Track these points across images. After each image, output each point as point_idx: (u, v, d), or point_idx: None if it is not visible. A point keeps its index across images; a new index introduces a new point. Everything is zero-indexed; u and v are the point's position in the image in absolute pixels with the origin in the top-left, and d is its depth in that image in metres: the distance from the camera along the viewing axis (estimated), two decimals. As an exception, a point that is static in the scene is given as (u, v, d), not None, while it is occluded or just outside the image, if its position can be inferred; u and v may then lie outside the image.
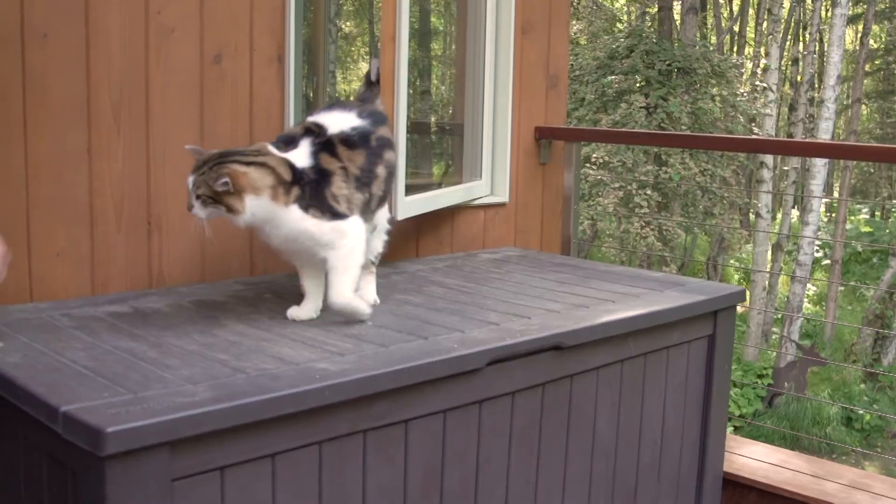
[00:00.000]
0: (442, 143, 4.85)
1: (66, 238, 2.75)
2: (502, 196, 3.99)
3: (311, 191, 2.42)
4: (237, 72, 3.07)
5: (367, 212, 2.57)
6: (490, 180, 3.97)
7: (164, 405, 1.82)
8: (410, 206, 3.24)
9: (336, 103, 2.72)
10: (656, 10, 19.07)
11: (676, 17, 19.37)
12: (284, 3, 3.16)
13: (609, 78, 15.21)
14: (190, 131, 2.76)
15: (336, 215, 2.44)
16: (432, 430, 2.30)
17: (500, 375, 2.42)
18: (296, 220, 2.40)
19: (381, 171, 2.59)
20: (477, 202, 3.89)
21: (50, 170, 2.68)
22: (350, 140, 2.53)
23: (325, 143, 2.50)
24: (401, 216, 3.16)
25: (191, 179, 2.35)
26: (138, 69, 2.84)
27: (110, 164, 2.79)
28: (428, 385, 2.24)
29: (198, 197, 2.32)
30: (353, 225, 2.47)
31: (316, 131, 2.50)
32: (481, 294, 2.97)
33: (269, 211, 2.38)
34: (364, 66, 17.87)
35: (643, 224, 13.96)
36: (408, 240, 3.64)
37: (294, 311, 2.56)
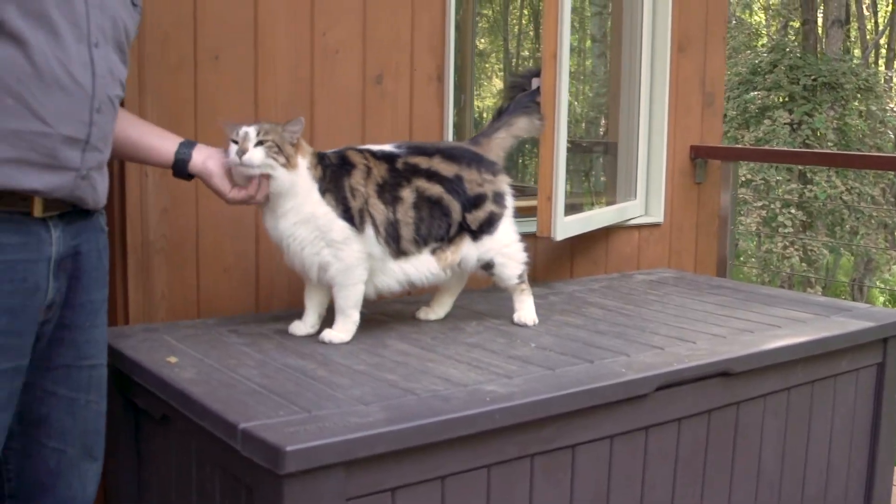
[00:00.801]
0: (588, 161, 4.81)
1: (234, 255, 2.81)
2: (657, 216, 3.93)
3: (331, 175, 2.42)
4: (398, 91, 3.10)
5: (399, 245, 2.50)
6: (644, 200, 3.91)
7: (339, 425, 1.83)
8: (569, 226, 3.21)
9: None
10: (800, 24, 18.62)
11: (819, 30, 18.87)
12: (444, 23, 3.17)
13: (752, 94, 14.88)
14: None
15: (348, 213, 2.41)
16: (600, 454, 2.26)
17: (667, 401, 2.36)
18: (314, 200, 2.38)
19: (407, 194, 2.50)
20: (631, 222, 3.84)
21: (219, 188, 2.73)
22: (374, 153, 2.53)
23: (352, 147, 2.53)
24: (559, 237, 3.13)
25: (251, 129, 2.31)
26: (303, 89, 2.89)
27: (275, 183, 2.84)
28: (596, 409, 2.20)
29: (260, 142, 2.29)
30: (358, 241, 2.43)
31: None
32: (642, 317, 2.91)
33: (303, 181, 2.37)
34: (498, 84, 17.95)
35: (787, 244, 13.61)
36: (562, 260, 3.61)
37: (293, 326, 2.56)
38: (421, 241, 2.53)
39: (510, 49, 18.32)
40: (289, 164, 2.33)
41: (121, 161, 2.57)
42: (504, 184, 2.70)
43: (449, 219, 2.57)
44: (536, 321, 2.73)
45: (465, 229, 2.60)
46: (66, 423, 2.05)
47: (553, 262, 3.57)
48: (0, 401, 1.84)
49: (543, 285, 3.34)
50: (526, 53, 18.68)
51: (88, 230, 1.96)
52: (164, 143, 2.30)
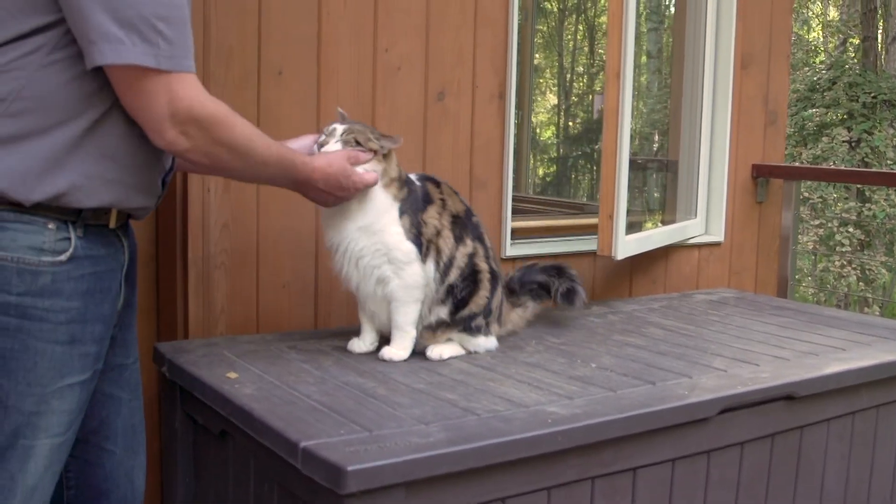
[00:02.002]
0: (646, 177, 4.77)
1: (293, 270, 2.81)
2: (717, 235, 3.88)
3: (412, 201, 2.41)
4: (459, 108, 3.09)
5: (440, 288, 2.46)
6: (705, 219, 3.87)
7: (400, 445, 1.82)
8: (629, 245, 3.18)
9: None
10: (859, 40, 18.40)
11: (879, 47, 18.61)
12: (507, 40, 3.16)
13: (810, 111, 14.71)
14: (412, 166, 2.76)
15: (418, 239, 2.39)
16: (660, 478, 2.23)
17: (730, 424, 2.32)
18: (391, 217, 2.37)
19: (469, 243, 2.49)
20: (691, 241, 3.79)
21: (279, 203, 2.74)
22: (453, 189, 2.53)
23: (432, 179, 2.52)
24: (620, 256, 3.10)
25: (339, 126, 2.33)
26: (365, 105, 2.89)
27: (336, 199, 2.84)
28: (658, 432, 2.17)
29: (346, 142, 2.29)
30: (421, 267, 2.41)
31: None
32: (703, 338, 2.87)
33: (380, 193, 2.35)
34: (552, 99, 17.89)
35: (844, 263, 13.41)
36: (621, 278, 3.58)
37: (352, 344, 2.54)
38: (444, 299, 2.49)
39: (565, 64, 18.28)
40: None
41: (184, 177, 2.59)
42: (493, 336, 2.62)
43: (471, 297, 2.50)
44: (432, 358, 2.50)
45: (465, 322, 2.52)
46: (117, 424, 2.10)
47: (612, 280, 3.54)
48: (80, 403, 1.89)
49: (602, 304, 3.31)
50: (580, 69, 18.63)
51: (132, 235, 2.04)
52: None
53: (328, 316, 2.88)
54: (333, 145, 2.30)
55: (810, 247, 13.36)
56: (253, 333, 2.74)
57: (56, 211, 1.78)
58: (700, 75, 3.83)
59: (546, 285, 2.85)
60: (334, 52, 2.83)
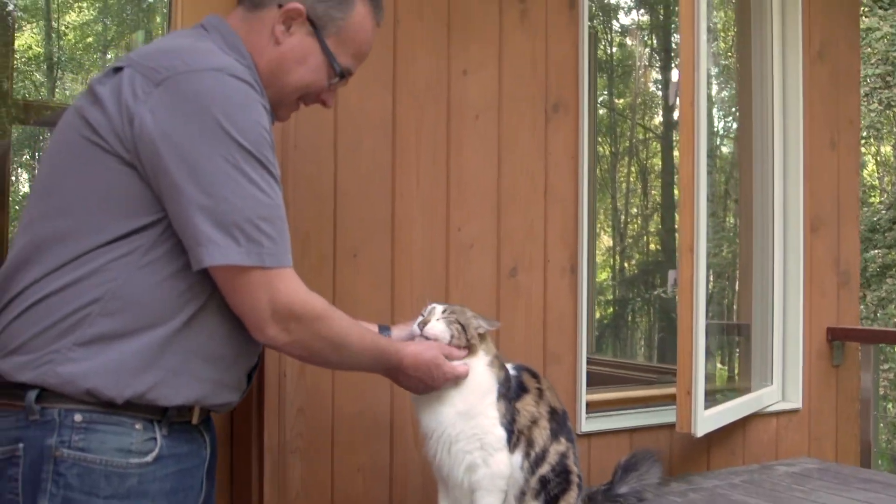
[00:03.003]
0: (717, 341, 4.70)
1: (368, 453, 2.77)
2: (795, 402, 3.80)
3: (507, 387, 2.36)
4: (531, 284, 3.08)
5: (530, 479, 2.38)
6: (781, 385, 3.79)
7: None
8: (708, 421, 3.10)
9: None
10: (916, 178, 18.31)
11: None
12: (577, 215, 3.17)
13: (871, 252, 14.58)
14: (486, 344, 2.77)
15: (510, 426, 2.33)
16: None
17: None
18: (489, 401, 2.31)
19: (564, 441, 2.43)
20: (769, 409, 3.71)
21: (353, 385, 2.73)
22: (551, 385, 2.49)
23: (529, 369, 2.48)
24: (700, 433, 3.02)
25: (438, 306, 2.32)
26: (438, 283, 2.89)
27: (409, 378, 2.81)
28: None
29: (448, 321, 2.28)
30: (507, 455, 2.32)
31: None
32: (790, 519, 2.77)
33: (481, 373, 2.31)
34: (607, 241, 17.92)
35: (916, 408, 13.06)
36: (699, 451, 3.48)
37: None
38: (539, 492, 2.41)
39: (618, 206, 18.37)
40: (468, 347, 2.29)
41: (261, 363, 2.59)
42: None
43: (563, 495, 2.42)
44: None
45: None
46: None
47: (689, 454, 3.46)
48: None
49: (681, 480, 3.22)
50: (634, 211, 18.70)
51: (213, 429, 2.03)
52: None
53: (404, 500, 2.82)
54: (435, 323, 2.28)
55: (881, 392, 13.05)
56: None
57: (143, 410, 1.77)
58: (770, 241, 3.80)
59: (636, 494, 2.81)
60: (408, 233, 2.85)
